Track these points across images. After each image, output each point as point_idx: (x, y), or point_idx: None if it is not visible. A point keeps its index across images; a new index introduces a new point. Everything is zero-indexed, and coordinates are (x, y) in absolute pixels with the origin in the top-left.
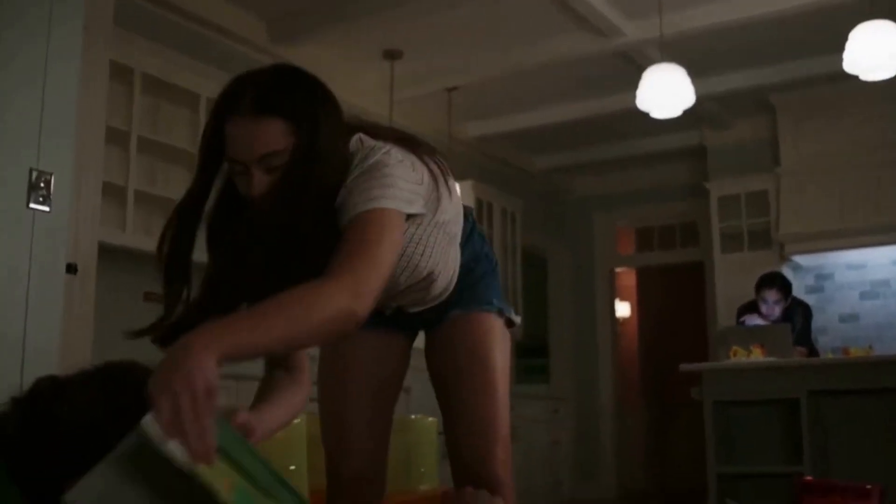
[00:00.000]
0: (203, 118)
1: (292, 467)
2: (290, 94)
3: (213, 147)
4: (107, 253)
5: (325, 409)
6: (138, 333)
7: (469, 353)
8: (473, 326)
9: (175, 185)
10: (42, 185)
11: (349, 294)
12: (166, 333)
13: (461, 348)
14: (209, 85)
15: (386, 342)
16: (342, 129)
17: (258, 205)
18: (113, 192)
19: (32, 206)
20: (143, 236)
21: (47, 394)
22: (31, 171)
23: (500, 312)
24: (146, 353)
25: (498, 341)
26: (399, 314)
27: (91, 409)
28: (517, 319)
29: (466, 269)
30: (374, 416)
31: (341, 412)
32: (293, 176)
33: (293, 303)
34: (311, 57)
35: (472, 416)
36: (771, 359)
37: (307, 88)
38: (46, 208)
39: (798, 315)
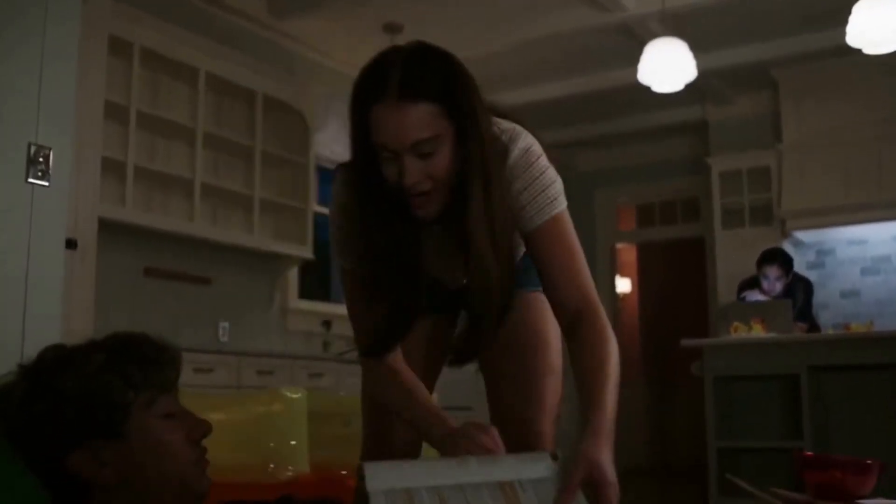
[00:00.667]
0: (202, 94)
1: (293, 442)
2: (435, 75)
3: (362, 134)
4: (107, 228)
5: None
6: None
7: (525, 331)
8: (528, 305)
9: (175, 160)
10: (41, 159)
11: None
12: (379, 347)
13: (517, 326)
14: (209, 59)
15: (436, 320)
16: (487, 121)
17: (413, 190)
18: (112, 168)
19: (31, 180)
20: (143, 212)
21: (53, 365)
22: (29, 145)
23: None
24: (146, 327)
25: (552, 325)
26: (452, 293)
27: (97, 379)
28: None
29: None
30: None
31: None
32: (466, 163)
33: (614, 369)
34: (310, 31)
35: (523, 391)
36: (771, 334)
37: (450, 68)
38: (45, 183)
39: (799, 291)
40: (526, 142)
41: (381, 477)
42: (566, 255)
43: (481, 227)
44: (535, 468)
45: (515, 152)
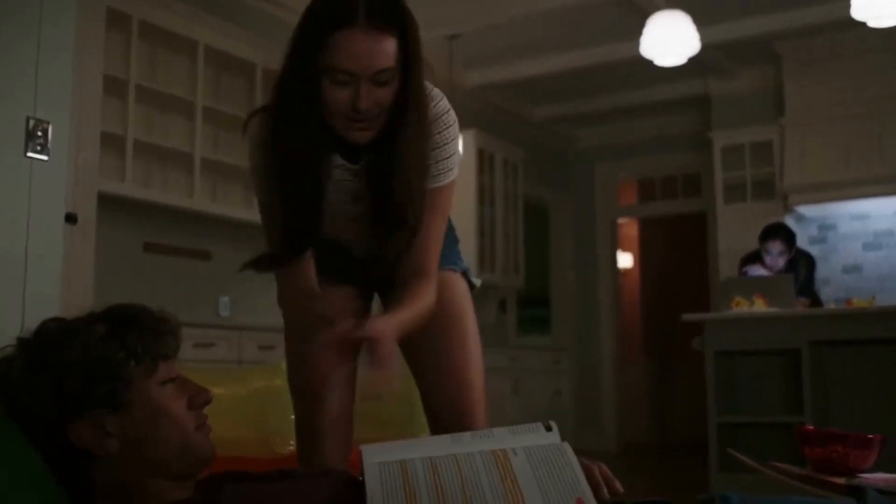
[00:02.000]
0: (201, 67)
1: (294, 417)
2: (396, 12)
3: (311, 55)
4: (106, 203)
5: (301, 361)
6: (245, 266)
7: (442, 313)
8: (444, 286)
9: (173, 134)
10: (40, 133)
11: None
12: (266, 263)
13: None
14: (207, 32)
15: (351, 298)
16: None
17: (362, 116)
18: (112, 142)
19: (30, 154)
20: (143, 186)
21: (56, 336)
22: (27, 119)
23: (464, 274)
24: (146, 302)
25: (466, 300)
26: (363, 271)
27: (99, 349)
28: (477, 283)
29: None
30: (343, 363)
31: (318, 362)
32: (406, 96)
33: (426, 308)
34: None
35: (446, 371)
36: (773, 309)
37: (405, 8)
38: (45, 157)
39: (801, 265)
40: (445, 104)
41: (377, 451)
42: (438, 224)
43: (412, 148)
44: (527, 438)
45: (437, 109)
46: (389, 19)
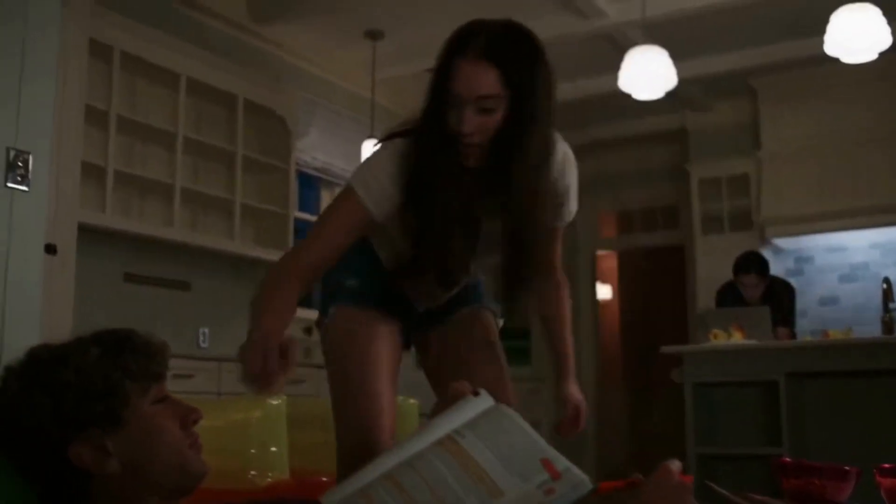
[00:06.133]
0: (183, 98)
1: (273, 448)
2: (512, 50)
3: (441, 81)
4: (86, 233)
5: (362, 392)
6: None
7: (486, 344)
8: (485, 321)
9: (154, 165)
10: (20, 164)
11: None
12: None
13: (478, 340)
14: (189, 64)
15: (398, 335)
16: (553, 108)
17: (465, 141)
18: (92, 173)
19: (10, 185)
20: (123, 217)
21: (50, 359)
22: (8, 150)
23: (495, 314)
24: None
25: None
26: (417, 314)
27: (95, 369)
28: (500, 323)
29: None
30: (393, 399)
31: (379, 395)
32: (506, 128)
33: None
34: (291, 36)
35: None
36: (750, 341)
37: (529, 51)
38: (25, 188)
39: (784, 295)
40: (568, 148)
41: (333, 494)
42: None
43: (524, 169)
44: (464, 413)
45: (566, 152)
46: (496, 53)
